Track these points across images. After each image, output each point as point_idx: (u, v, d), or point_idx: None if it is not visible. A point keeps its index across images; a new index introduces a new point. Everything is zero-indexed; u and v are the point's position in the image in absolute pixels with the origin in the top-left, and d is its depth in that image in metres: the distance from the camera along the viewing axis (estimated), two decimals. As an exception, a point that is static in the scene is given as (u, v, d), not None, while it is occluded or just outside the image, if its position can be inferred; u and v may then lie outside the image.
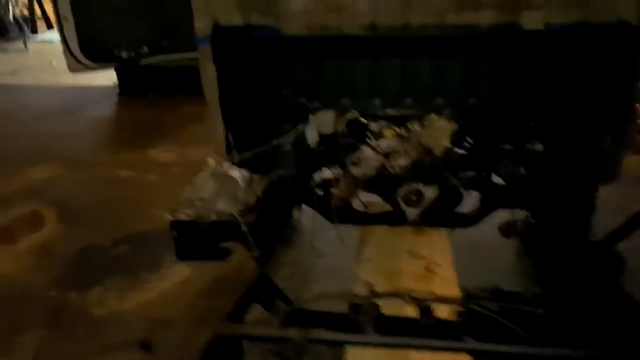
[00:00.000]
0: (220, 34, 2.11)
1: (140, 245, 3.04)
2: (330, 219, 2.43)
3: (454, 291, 1.96)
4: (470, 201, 2.31)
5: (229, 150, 2.31)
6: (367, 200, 2.41)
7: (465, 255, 2.20)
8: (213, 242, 1.87)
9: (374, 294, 1.85)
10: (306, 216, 2.80)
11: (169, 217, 1.93)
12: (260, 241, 1.90)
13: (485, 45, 2.06)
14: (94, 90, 6.35)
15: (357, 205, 2.41)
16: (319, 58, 2.19)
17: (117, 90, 6.24)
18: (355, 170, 2.25)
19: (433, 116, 2.22)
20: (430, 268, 2.11)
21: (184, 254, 1.92)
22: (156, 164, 4.21)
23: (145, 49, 3.01)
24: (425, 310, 1.79)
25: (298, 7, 2.09)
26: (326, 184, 2.42)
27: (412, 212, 2.29)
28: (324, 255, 2.59)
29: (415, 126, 2.21)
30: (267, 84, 2.25)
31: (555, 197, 2.22)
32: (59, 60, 7.90)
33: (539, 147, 2.13)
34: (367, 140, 2.24)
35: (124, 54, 2.95)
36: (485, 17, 2.00)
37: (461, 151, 2.17)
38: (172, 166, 4.17)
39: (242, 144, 2.31)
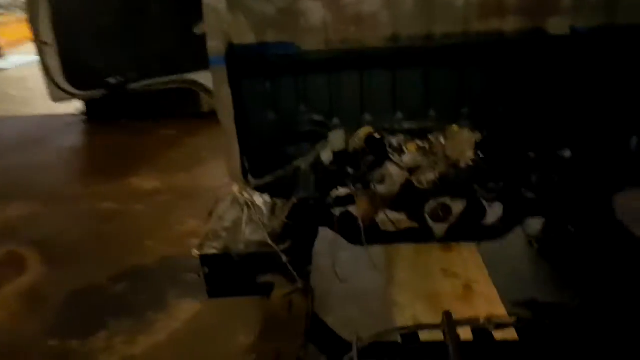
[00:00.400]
0: (235, 53, 1.98)
1: (139, 281, 2.83)
2: (350, 240, 2.32)
3: (500, 309, 1.89)
4: (496, 213, 2.25)
5: (244, 174, 2.17)
6: (390, 217, 2.32)
7: (497, 269, 2.13)
8: (250, 276, 1.72)
9: (454, 322, 1.70)
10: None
11: (196, 252, 1.78)
12: (297, 270, 1.77)
13: (511, 52, 2.01)
14: (57, 119, 6.01)
15: (381, 223, 2.31)
16: (339, 72, 2.09)
17: (82, 117, 5.95)
18: (380, 188, 2.15)
19: (454, 127, 2.15)
20: (469, 286, 2.03)
21: (216, 291, 1.76)
22: (140, 193, 3.98)
23: (134, 73, 2.80)
24: (481, 333, 1.70)
25: (316, 22, 1.98)
26: (344, 203, 2.32)
27: (439, 228, 2.21)
28: (346, 279, 2.46)
29: (438, 139, 2.14)
30: (284, 103, 2.13)
31: (582, 202, 2.20)
32: (18, 89, 7.57)
33: (567, 153, 2.10)
34: (390, 156, 2.16)
35: (113, 80, 2.72)
36: (510, 24, 1.95)
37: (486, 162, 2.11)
38: (157, 195, 3.95)
39: (259, 167, 2.18)
